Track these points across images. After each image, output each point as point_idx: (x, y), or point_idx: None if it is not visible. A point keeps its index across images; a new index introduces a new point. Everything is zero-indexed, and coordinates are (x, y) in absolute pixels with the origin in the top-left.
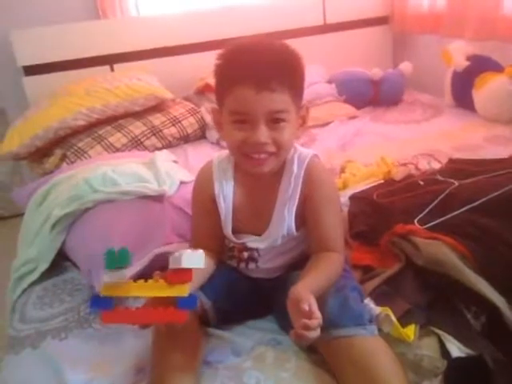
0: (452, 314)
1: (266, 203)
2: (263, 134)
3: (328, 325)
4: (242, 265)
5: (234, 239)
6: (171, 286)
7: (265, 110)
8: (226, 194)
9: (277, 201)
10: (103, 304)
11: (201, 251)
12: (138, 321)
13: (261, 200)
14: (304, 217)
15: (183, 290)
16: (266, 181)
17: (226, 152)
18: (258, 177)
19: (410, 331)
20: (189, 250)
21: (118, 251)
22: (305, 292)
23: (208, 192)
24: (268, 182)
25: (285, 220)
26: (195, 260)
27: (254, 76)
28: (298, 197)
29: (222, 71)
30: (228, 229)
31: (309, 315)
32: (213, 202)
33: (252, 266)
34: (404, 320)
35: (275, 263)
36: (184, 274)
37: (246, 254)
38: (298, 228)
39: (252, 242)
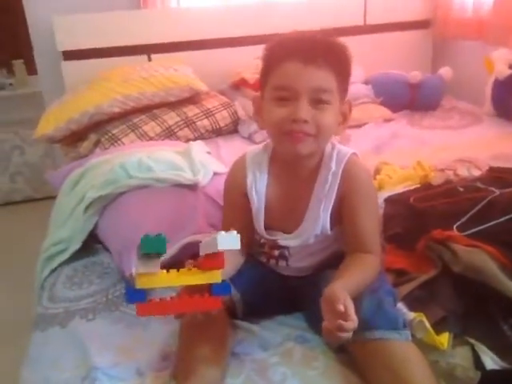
0: (488, 325)
1: (301, 199)
2: (305, 110)
3: (362, 326)
4: (273, 262)
5: (265, 235)
6: (204, 273)
7: (309, 85)
8: (259, 188)
9: (312, 197)
10: (138, 296)
11: (235, 232)
12: (173, 311)
13: (295, 196)
14: (339, 216)
15: (216, 277)
16: (301, 175)
17: (260, 146)
18: (295, 170)
19: (444, 339)
20: (222, 232)
21: (156, 237)
22: (341, 292)
23: (240, 185)
24: (304, 176)
25: (319, 218)
26: (231, 241)
27: (301, 51)
28: (334, 195)
29: (270, 50)
30: (260, 224)
31: (345, 317)
32: (244, 195)
33: (282, 263)
34: (438, 327)
35: (306, 262)
36: (216, 260)
37: (276, 252)
38: (332, 227)
39: (283, 239)
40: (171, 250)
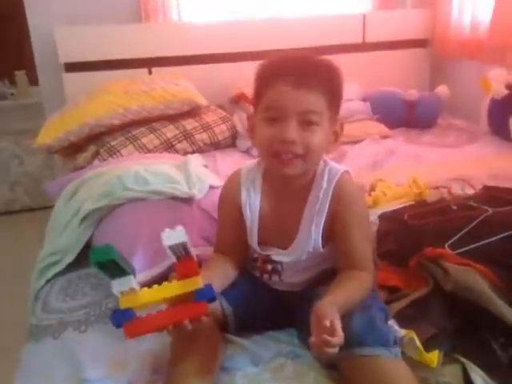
0: (479, 343)
1: (293, 216)
2: (292, 131)
3: (352, 342)
4: (266, 276)
5: (258, 250)
6: (184, 282)
7: (298, 107)
8: (253, 203)
9: (303, 215)
10: (125, 316)
11: (180, 227)
12: (162, 325)
13: (287, 213)
14: (331, 233)
15: (197, 283)
16: (293, 193)
17: (255, 162)
18: (286, 188)
19: (434, 356)
20: (167, 229)
21: (103, 246)
22: (330, 308)
23: (235, 200)
24: (296, 194)
25: (311, 237)
26: (176, 236)
27: (292, 73)
28: (325, 212)
29: (263, 69)
30: (253, 239)
31: (331, 332)
32: (239, 210)
33: (275, 278)
34: (428, 345)
35: (299, 278)
36: (189, 267)
37: (269, 267)
38: (324, 245)
39: (276, 255)
40: (166, 262)
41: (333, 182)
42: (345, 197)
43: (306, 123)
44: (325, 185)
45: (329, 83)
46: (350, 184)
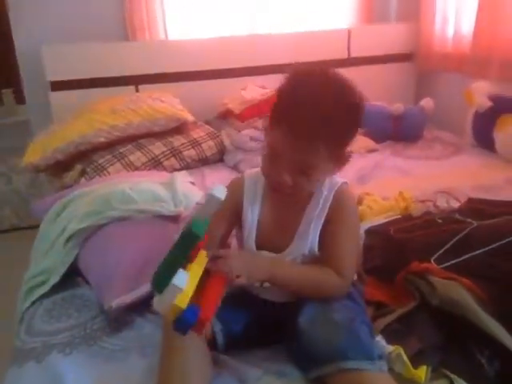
0: (465, 358)
1: (292, 220)
2: (286, 176)
3: (338, 357)
4: (256, 283)
5: (256, 251)
6: (198, 260)
7: (295, 157)
8: (254, 207)
9: (303, 219)
10: (192, 314)
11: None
12: (217, 299)
13: (287, 216)
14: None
15: (203, 256)
16: (294, 199)
17: (258, 169)
18: (287, 195)
19: (422, 372)
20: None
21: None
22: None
23: (236, 202)
24: (296, 200)
25: (309, 237)
26: (223, 193)
27: (298, 122)
28: (323, 218)
29: (285, 96)
30: (251, 241)
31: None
32: (236, 213)
33: (266, 284)
34: (415, 360)
35: None
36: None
37: None
38: (319, 248)
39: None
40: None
41: (332, 190)
42: (340, 206)
43: (301, 171)
44: (325, 192)
45: (335, 138)
46: (347, 195)
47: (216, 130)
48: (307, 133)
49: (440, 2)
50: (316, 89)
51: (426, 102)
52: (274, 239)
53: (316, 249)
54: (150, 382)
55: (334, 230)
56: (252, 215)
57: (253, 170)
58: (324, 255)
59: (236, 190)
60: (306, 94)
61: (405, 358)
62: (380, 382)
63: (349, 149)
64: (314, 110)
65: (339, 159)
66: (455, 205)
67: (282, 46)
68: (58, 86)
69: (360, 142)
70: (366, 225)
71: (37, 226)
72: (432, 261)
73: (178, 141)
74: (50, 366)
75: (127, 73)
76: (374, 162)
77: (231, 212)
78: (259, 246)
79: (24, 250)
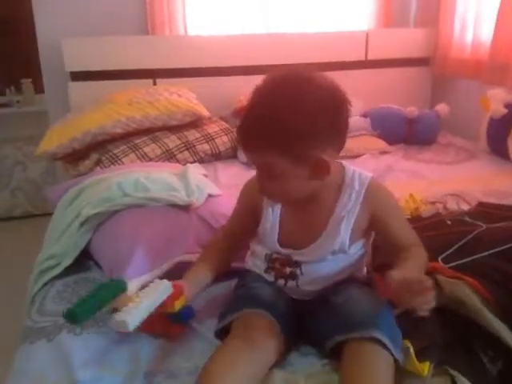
0: (468, 356)
1: (319, 216)
2: (260, 182)
3: (371, 324)
4: (281, 282)
5: (279, 249)
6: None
7: (256, 162)
8: (276, 206)
9: (333, 215)
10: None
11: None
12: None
13: (312, 213)
14: (358, 233)
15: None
16: (321, 196)
17: None
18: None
19: (425, 367)
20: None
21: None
22: (409, 272)
23: (255, 203)
24: (324, 197)
25: (339, 234)
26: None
27: (242, 135)
28: (356, 213)
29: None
30: (273, 239)
31: (419, 290)
32: (255, 214)
33: (291, 284)
34: (419, 356)
35: (316, 286)
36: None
37: (288, 270)
38: (350, 245)
39: (298, 254)
40: (162, 267)
41: (364, 185)
42: (378, 197)
43: (269, 174)
44: (357, 187)
45: (280, 139)
46: (380, 186)
47: (231, 126)
48: (249, 131)
49: (460, 8)
50: (271, 90)
51: (442, 107)
52: (296, 236)
53: (347, 246)
54: (159, 363)
55: (384, 221)
56: (273, 215)
57: None
58: (389, 243)
59: (255, 192)
60: (260, 95)
61: (412, 351)
62: (385, 366)
63: (333, 155)
64: (261, 110)
65: (307, 163)
66: (465, 208)
67: (300, 46)
68: (76, 76)
69: (373, 143)
70: None
71: (50, 214)
72: (439, 260)
73: (192, 135)
74: (60, 345)
75: (145, 66)
76: (386, 164)
77: (249, 214)
78: (281, 244)
79: (37, 236)
